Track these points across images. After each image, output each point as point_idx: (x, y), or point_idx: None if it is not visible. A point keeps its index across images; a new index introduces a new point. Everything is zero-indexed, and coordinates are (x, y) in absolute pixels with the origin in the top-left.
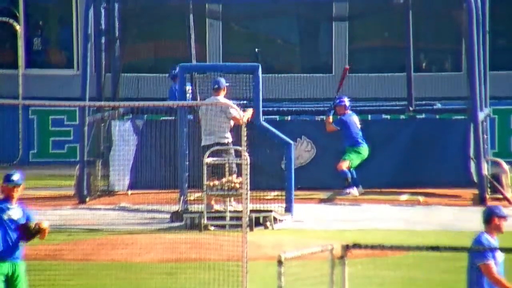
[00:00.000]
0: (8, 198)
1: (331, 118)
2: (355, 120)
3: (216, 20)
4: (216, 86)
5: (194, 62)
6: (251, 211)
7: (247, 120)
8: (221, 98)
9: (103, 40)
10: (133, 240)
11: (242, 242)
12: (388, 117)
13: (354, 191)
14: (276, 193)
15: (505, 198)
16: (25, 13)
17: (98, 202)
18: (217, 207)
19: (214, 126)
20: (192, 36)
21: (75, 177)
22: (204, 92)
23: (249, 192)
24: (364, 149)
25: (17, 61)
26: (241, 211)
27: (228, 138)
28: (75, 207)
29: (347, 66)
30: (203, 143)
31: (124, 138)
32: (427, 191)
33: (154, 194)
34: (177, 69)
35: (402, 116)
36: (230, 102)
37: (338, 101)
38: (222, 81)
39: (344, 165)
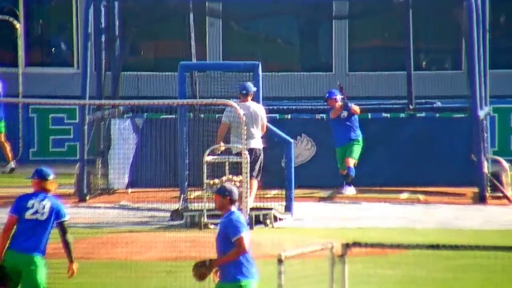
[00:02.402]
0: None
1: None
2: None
3: (216, 19)
4: (244, 91)
5: (194, 61)
6: (251, 209)
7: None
8: (251, 103)
9: (103, 39)
10: (133, 238)
11: None
12: (388, 115)
13: (351, 189)
14: (276, 191)
15: (505, 197)
16: (25, 11)
17: (98, 200)
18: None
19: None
20: (192, 35)
21: (75, 176)
22: (204, 91)
23: (249, 190)
24: (361, 139)
25: (17, 60)
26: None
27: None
28: (75, 206)
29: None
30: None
31: (124, 136)
32: (427, 190)
33: (154, 193)
34: None
35: (402, 115)
36: (262, 109)
37: (327, 94)
38: (250, 86)
39: (352, 163)
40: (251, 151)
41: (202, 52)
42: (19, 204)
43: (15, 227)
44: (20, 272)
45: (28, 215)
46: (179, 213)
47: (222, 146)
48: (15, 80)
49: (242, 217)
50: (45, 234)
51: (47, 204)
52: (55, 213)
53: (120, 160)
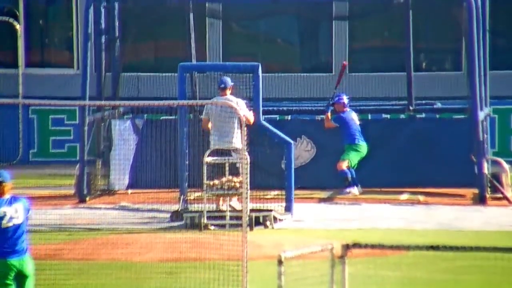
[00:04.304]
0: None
1: (329, 115)
2: (354, 117)
3: (216, 20)
4: (223, 85)
5: (194, 61)
6: (251, 210)
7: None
8: (230, 97)
9: (103, 40)
10: (133, 239)
11: (242, 241)
12: (388, 116)
13: (355, 190)
14: (276, 192)
15: (505, 198)
16: (25, 12)
17: (98, 201)
18: (223, 207)
19: (226, 128)
20: (192, 36)
21: (75, 177)
22: (204, 91)
23: (249, 191)
24: (363, 147)
25: (17, 61)
26: (241, 211)
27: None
28: (75, 207)
29: (345, 62)
30: (215, 146)
31: (124, 137)
32: (427, 191)
33: (154, 194)
34: None
35: (402, 116)
36: (241, 101)
37: (336, 98)
38: (228, 80)
39: (344, 165)
40: (235, 151)
41: (202, 53)
42: None
43: None
44: (24, 276)
45: (4, 223)
46: (179, 214)
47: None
48: (15, 81)
49: None
50: (25, 233)
51: (18, 206)
52: (26, 211)
53: (120, 161)
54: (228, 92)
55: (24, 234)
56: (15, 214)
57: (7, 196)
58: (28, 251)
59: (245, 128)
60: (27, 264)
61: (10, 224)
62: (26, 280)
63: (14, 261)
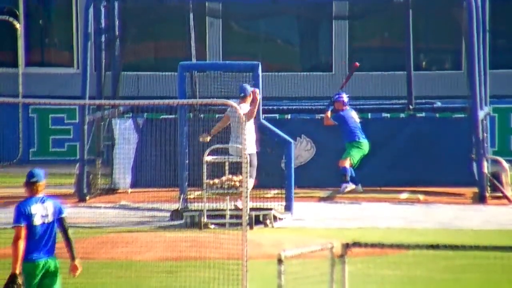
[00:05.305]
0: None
1: (329, 113)
2: (353, 115)
3: (216, 19)
4: (242, 94)
5: (194, 61)
6: (251, 209)
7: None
8: (244, 105)
9: (103, 39)
10: (133, 238)
11: (242, 240)
12: (388, 115)
13: (350, 185)
14: (276, 191)
15: (505, 197)
16: (25, 11)
17: (98, 200)
18: (238, 204)
19: (238, 132)
20: (192, 35)
21: (75, 176)
22: (204, 91)
23: (249, 190)
24: (364, 144)
25: (17, 60)
26: (241, 209)
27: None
28: (75, 206)
29: (357, 63)
30: (230, 149)
31: (124, 136)
32: (427, 190)
33: (154, 192)
34: None
35: (402, 115)
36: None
37: (336, 97)
38: (247, 88)
39: (346, 163)
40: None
41: (202, 52)
42: (25, 212)
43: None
44: (50, 276)
45: (36, 221)
46: (179, 213)
47: (208, 137)
48: (15, 80)
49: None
50: (54, 234)
51: (49, 205)
52: (58, 211)
53: (121, 160)
54: (249, 100)
55: (53, 234)
56: (46, 213)
57: (39, 195)
58: (54, 253)
59: (245, 128)
60: (53, 263)
61: (40, 222)
62: (53, 279)
63: (41, 261)
